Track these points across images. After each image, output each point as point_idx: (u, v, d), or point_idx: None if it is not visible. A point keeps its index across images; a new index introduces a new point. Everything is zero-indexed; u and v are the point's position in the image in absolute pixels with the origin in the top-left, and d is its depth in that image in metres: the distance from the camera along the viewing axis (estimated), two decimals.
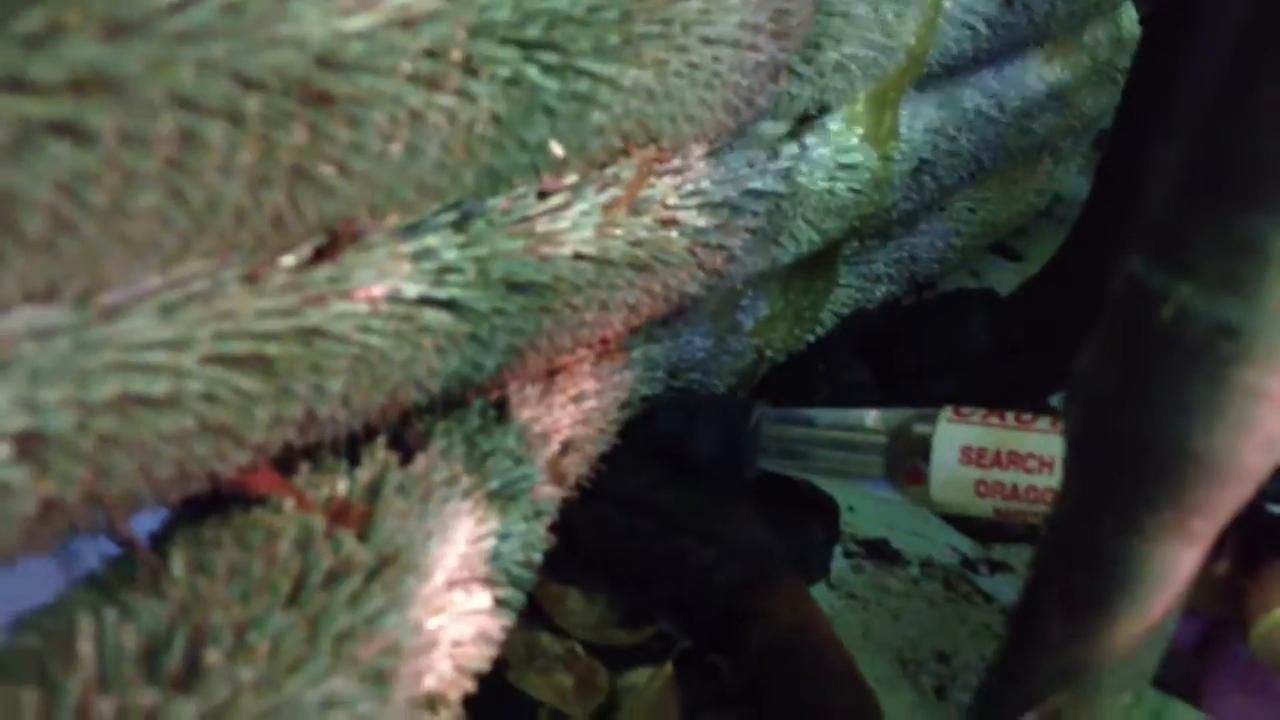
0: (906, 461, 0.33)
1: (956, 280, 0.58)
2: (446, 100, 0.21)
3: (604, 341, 0.31)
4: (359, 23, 0.19)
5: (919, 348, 0.43)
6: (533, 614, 0.32)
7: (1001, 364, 0.41)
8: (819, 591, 0.37)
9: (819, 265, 0.41)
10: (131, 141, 0.16)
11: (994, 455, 0.30)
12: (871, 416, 0.34)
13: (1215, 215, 0.19)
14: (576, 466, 0.30)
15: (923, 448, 0.32)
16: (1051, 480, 0.29)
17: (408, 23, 0.20)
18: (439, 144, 0.21)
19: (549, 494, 0.28)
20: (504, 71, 0.22)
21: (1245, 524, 0.24)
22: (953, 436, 0.32)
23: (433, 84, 0.20)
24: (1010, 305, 0.42)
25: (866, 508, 0.40)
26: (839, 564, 0.38)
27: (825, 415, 0.35)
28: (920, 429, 0.32)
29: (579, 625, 0.32)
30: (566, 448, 0.28)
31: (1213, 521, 0.20)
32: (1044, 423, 0.30)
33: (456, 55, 0.21)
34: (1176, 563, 0.21)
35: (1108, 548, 0.21)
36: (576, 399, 0.30)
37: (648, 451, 0.33)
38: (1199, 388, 0.19)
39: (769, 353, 0.40)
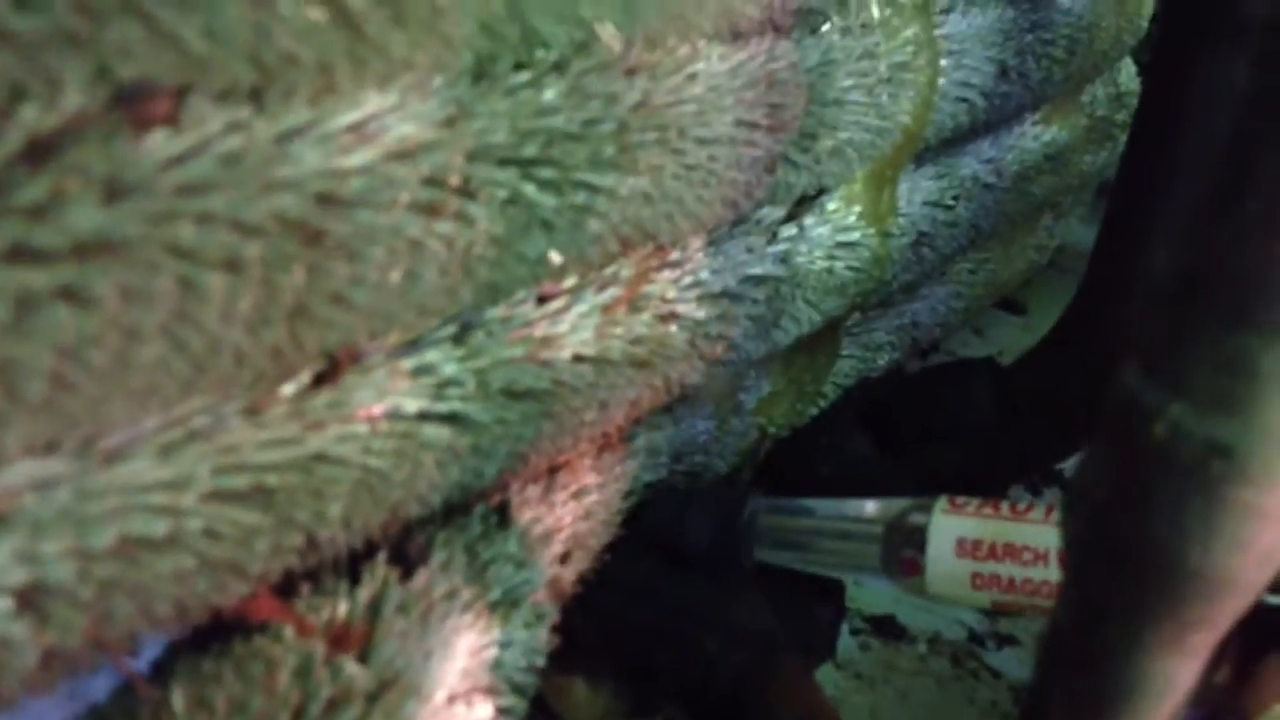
0: (902, 553, 0.32)
1: (961, 339, 0.58)
2: (445, 227, 0.21)
3: (605, 435, 0.31)
4: (358, 159, 0.19)
5: (922, 417, 0.43)
6: (538, 707, 0.32)
7: (1007, 431, 0.41)
8: (826, 672, 0.37)
9: (821, 340, 0.41)
10: (132, 300, 0.16)
11: (989, 548, 0.30)
12: (868, 507, 0.33)
13: (1205, 332, 0.19)
14: (578, 565, 0.30)
15: (918, 539, 0.32)
16: (1047, 573, 0.29)
17: (406, 154, 0.20)
18: (437, 269, 0.21)
19: (552, 596, 0.28)
20: (502, 193, 0.22)
21: (1245, 622, 0.24)
22: (948, 528, 0.31)
23: (431, 211, 0.21)
24: (1016, 371, 0.43)
25: (873, 584, 0.40)
26: (846, 643, 0.38)
27: (821, 506, 0.34)
28: (915, 520, 0.32)
29: (584, 717, 0.32)
30: (567, 556, 0.28)
31: (1212, 634, 0.20)
32: (1038, 514, 0.30)
33: (455, 181, 0.21)
34: (1176, 675, 0.21)
35: (1108, 658, 0.21)
36: (578, 494, 0.30)
37: (642, 543, 0.33)
38: (1195, 505, 0.20)
39: (772, 429, 0.40)
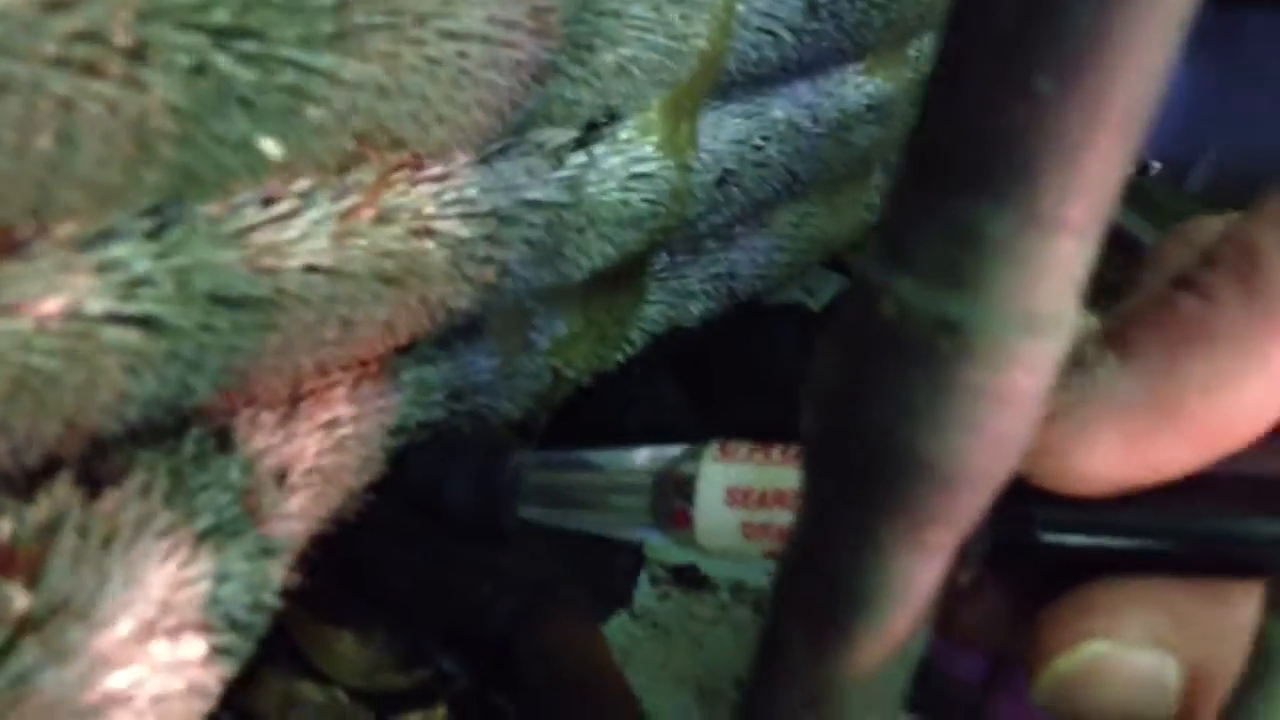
0: (673, 504, 0.29)
1: (788, 297, 0.57)
2: (107, 89, 0.19)
3: (362, 364, 0.29)
4: None
5: (730, 366, 0.41)
6: (295, 660, 0.30)
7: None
8: (621, 622, 0.35)
9: (622, 281, 0.39)
10: None
11: (760, 495, 0.28)
12: (638, 457, 0.31)
13: (931, 201, 0.18)
14: (328, 502, 0.27)
15: (687, 489, 0.29)
16: None
17: (55, 4, 0.18)
18: (100, 138, 0.19)
19: (285, 530, 0.25)
20: (183, 59, 0.20)
21: (1017, 554, 0.23)
22: (717, 477, 0.29)
23: (88, 70, 0.18)
24: (823, 318, 0.41)
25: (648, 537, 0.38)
26: (644, 593, 0.36)
27: (591, 457, 0.32)
28: (685, 469, 0.29)
29: (349, 671, 0.30)
30: (284, 479, 0.26)
31: (950, 530, 0.19)
32: None
33: (121, 40, 0.19)
34: (915, 575, 0.19)
35: (844, 561, 0.19)
36: (328, 426, 0.27)
37: (399, 500, 0.30)
38: (923, 388, 0.18)
39: (570, 373, 0.38)
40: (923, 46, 0.54)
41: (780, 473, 0.28)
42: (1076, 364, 0.22)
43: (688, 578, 0.37)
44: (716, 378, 0.41)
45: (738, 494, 0.28)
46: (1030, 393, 0.18)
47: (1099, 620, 0.21)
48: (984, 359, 0.17)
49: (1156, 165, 0.72)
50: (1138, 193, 0.71)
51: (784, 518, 0.28)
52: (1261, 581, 0.18)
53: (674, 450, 0.30)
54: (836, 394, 0.19)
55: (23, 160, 0.18)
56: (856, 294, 0.19)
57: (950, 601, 0.21)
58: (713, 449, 0.29)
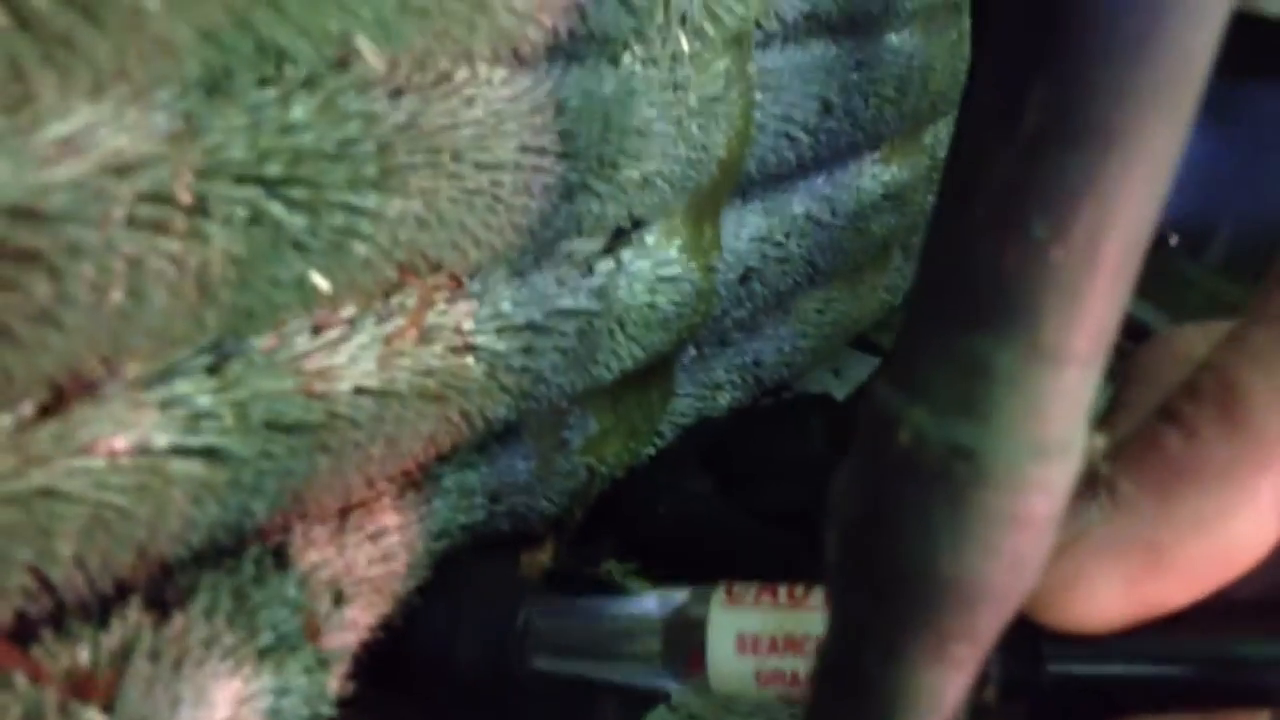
0: (685, 650, 0.30)
1: (817, 379, 0.58)
2: (172, 245, 0.20)
3: (406, 474, 0.30)
4: (64, 172, 0.18)
5: (758, 456, 0.42)
6: None
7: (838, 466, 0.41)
8: (658, 714, 0.36)
9: (653, 377, 0.41)
10: None
11: (770, 642, 0.28)
12: (647, 603, 0.31)
13: (941, 336, 0.19)
14: (372, 610, 0.29)
15: (699, 635, 0.29)
16: None
17: (122, 167, 0.19)
18: (167, 289, 0.20)
19: (340, 641, 0.27)
20: (242, 211, 0.21)
21: (1027, 686, 0.23)
22: (727, 624, 0.29)
23: (155, 228, 0.20)
24: (848, 407, 0.43)
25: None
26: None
27: (599, 605, 0.32)
28: (694, 614, 0.30)
29: None
30: (341, 596, 0.27)
31: (973, 645, 0.20)
32: (817, 598, 0.28)
33: (184, 197, 0.20)
34: (940, 688, 0.20)
35: (872, 676, 0.20)
36: (375, 537, 0.29)
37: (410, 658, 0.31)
38: (942, 511, 0.19)
39: (604, 469, 0.39)
40: (938, 133, 0.55)
41: (789, 617, 0.29)
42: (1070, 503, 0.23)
43: None
44: (745, 467, 0.42)
45: (748, 641, 0.29)
46: (1045, 514, 0.20)
47: None
48: (999, 484, 0.19)
49: (1175, 238, 0.73)
50: (1157, 266, 0.72)
51: (796, 664, 0.28)
52: (1270, 708, 0.20)
53: (682, 594, 0.31)
54: (859, 518, 0.20)
55: (96, 315, 0.19)
56: (874, 422, 0.20)
57: None
58: (719, 594, 0.30)
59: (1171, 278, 0.71)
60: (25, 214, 0.18)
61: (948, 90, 0.52)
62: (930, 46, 0.49)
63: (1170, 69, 0.16)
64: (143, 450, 0.22)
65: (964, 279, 0.18)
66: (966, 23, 0.52)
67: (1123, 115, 0.17)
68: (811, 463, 0.41)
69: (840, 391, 0.56)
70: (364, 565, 0.28)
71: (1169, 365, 0.24)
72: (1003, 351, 0.18)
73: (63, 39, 0.17)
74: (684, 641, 0.30)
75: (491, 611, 0.32)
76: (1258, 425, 0.21)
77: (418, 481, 0.31)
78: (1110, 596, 0.22)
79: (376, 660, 0.29)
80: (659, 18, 0.32)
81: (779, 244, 0.43)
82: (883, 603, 0.20)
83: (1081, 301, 0.18)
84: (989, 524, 0.19)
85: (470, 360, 0.29)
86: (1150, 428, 0.22)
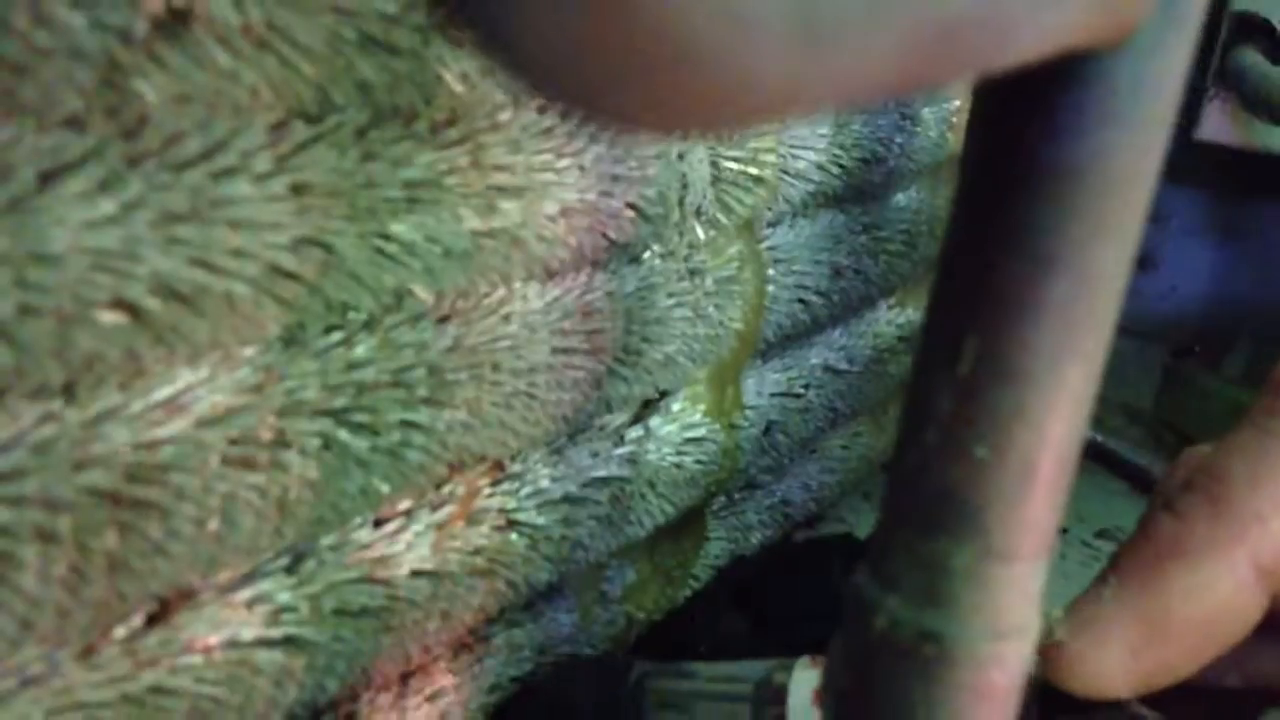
0: (769, 710, 0.35)
1: (850, 504, 0.61)
2: (258, 479, 0.24)
3: (458, 639, 0.33)
4: (169, 430, 0.22)
5: (786, 596, 0.45)
6: None
7: None
8: None
9: (686, 526, 0.44)
10: None
11: None
12: (741, 668, 0.36)
13: (909, 538, 0.22)
14: None
15: (782, 694, 0.34)
16: None
17: (216, 420, 0.23)
18: (254, 515, 0.24)
19: None
20: (315, 442, 0.25)
21: None
22: (806, 681, 0.34)
23: (244, 465, 0.24)
24: (868, 545, 0.45)
25: None
26: None
27: (701, 669, 0.37)
28: (779, 678, 0.35)
29: None
30: None
31: None
32: None
33: (266, 436, 0.24)
34: None
35: None
36: (433, 698, 0.32)
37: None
38: (915, 686, 0.22)
39: (641, 615, 0.43)
40: None
41: None
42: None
43: None
44: (775, 607, 0.45)
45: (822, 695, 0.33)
46: (1005, 686, 0.23)
47: None
48: (962, 662, 0.22)
49: (1197, 349, 0.75)
50: (1179, 375, 0.75)
51: None
52: None
53: (771, 663, 0.35)
54: (847, 690, 0.24)
55: (197, 543, 0.23)
56: (855, 607, 0.23)
57: None
58: (804, 659, 0.34)
59: (1192, 389, 0.74)
60: (139, 469, 0.21)
61: None
62: (936, 199, 0.53)
63: (1071, 328, 0.20)
64: (233, 644, 0.25)
65: (922, 492, 0.22)
66: None
67: (1039, 362, 0.20)
68: (837, 600, 0.44)
69: (869, 516, 0.58)
70: None
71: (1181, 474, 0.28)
72: (958, 552, 0.22)
73: (170, 327, 0.21)
74: (770, 701, 0.34)
75: (607, 669, 0.38)
76: (1236, 504, 0.25)
77: (469, 643, 0.34)
78: (1118, 663, 0.25)
79: None
80: (674, 216, 0.36)
81: (799, 395, 0.46)
82: None
83: (1023, 510, 0.22)
84: (956, 697, 0.22)
85: (514, 536, 0.32)
86: (1149, 516, 0.26)
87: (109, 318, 0.20)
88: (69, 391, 0.20)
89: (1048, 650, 0.26)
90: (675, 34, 0.09)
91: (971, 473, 0.21)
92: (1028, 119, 0.19)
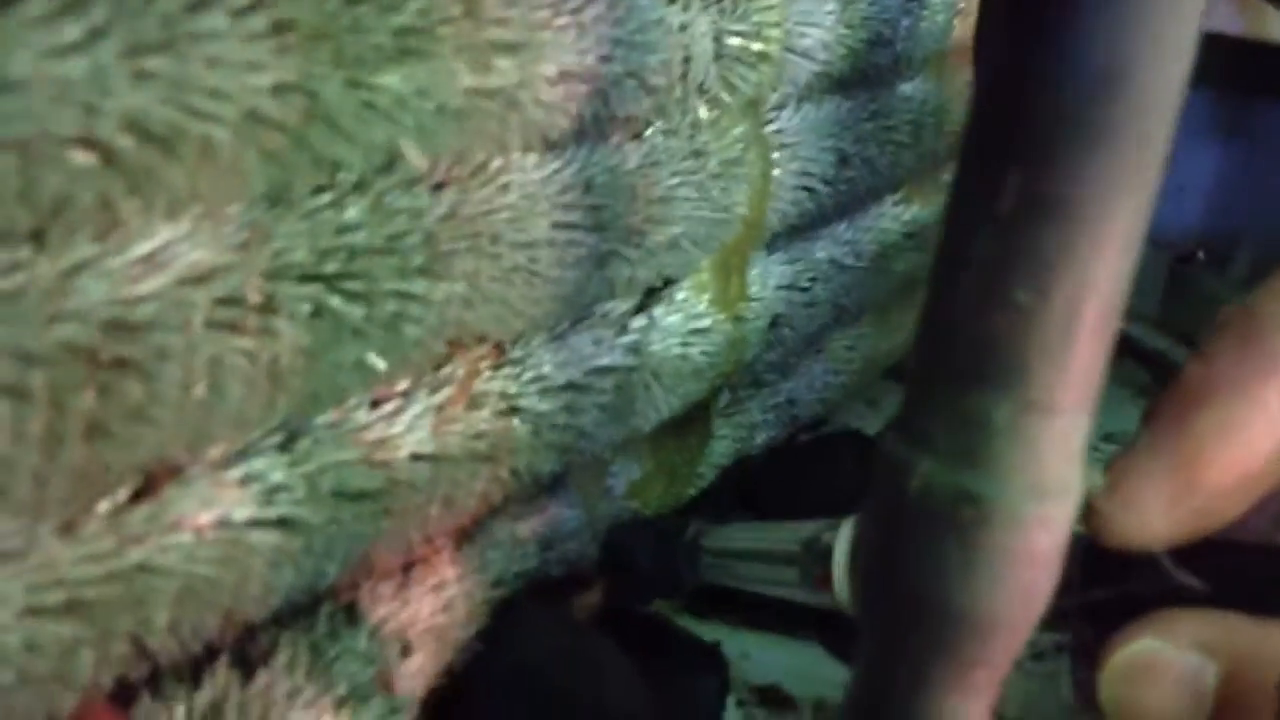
0: (816, 569, 0.36)
1: (856, 411, 0.59)
2: (246, 342, 0.22)
3: (462, 529, 0.32)
4: (148, 285, 0.21)
5: (792, 494, 0.44)
6: None
7: None
8: None
9: (690, 422, 0.43)
10: None
11: None
12: (791, 528, 0.37)
13: (944, 394, 0.21)
14: (441, 657, 0.31)
15: (829, 553, 0.35)
16: None
17: (199, 277, 0.21)
18: (243, 382, 0.23)
19: (408, 688, 0.29)
20: (305, 307, 0.24)
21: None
22: (849, 540, 0.35)
23: (231, 328, 0.22)
24: (876, 444, 0.44)
25: (760, 654, 0.41)
26: (731, 714, 0.39)
27: (753, 528, 0.40)
28: (827, 537, 0.36)
29: None
30: (408, 648, 0.29)
31: (993, 671, 0.22)
32: None
33: (254, 299, 0.23)
34: (965, 713, 0.22)
35: (900, 704, 0.22)
36: (436, 588, 0.31)
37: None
38: (953, 551, 0.21)
39: (647, 513, 0.41)
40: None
41: None
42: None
43: (772, 698, 0.40)
44: (782, 504, 0.44)
45: None
46: (1048, 549, 0.22)
47: (1155, 628, 0.24)
48: (1002, 526, 0.21)
49: (1202, 254, 0.74)
50: (1183, 281, 0.73)
51: None
52: None
53: (820, 523, 0.36)
54: (879, 559, 0.22)
55: (182, 410, 0.22)
56: (886, 471, 0.22)
57: None
58: (851, 519, 0.35)
59: (1197, 293, 0.72)
60: (118, 326, 0.20)
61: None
62: (943, 90, 0.51)
63: (1127, 156, 0.18)
64: (225, 524, 0.24)
65: (958, 342, 0.21)
66: None
67: (1089, 196, 0.19)
68: (845, 496, 0.43)
69: (875, 422, 0.57)
70: (427, 616, 0.30)
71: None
72: (998, 406, 0.20)
73: (145, 171, 0.20)
74: (816, 560, 0.36)
75: (665, 527, 0.40)
76: (1267, 343, 0.24)
77: (473, 535, 0.33)
78: (1155, 514, 0.24)
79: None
80: (677, 92, 0.34)
81: (805, 289, 0.45)
82: (906, 636, 0.22)
83: (1066, 359, 0.20)
84: (997, 561, 0.21)
85: (516, 422, 0.31)
86: (1183, 366, 0.25)
87: (78, 157, 0.19)
88: (38, 239, 0.19)
89: (1084, 505, 0.25)
90: None
91: (1012, 319, 0.20)
92: None
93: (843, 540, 0.34)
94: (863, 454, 0.45)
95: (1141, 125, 0.19)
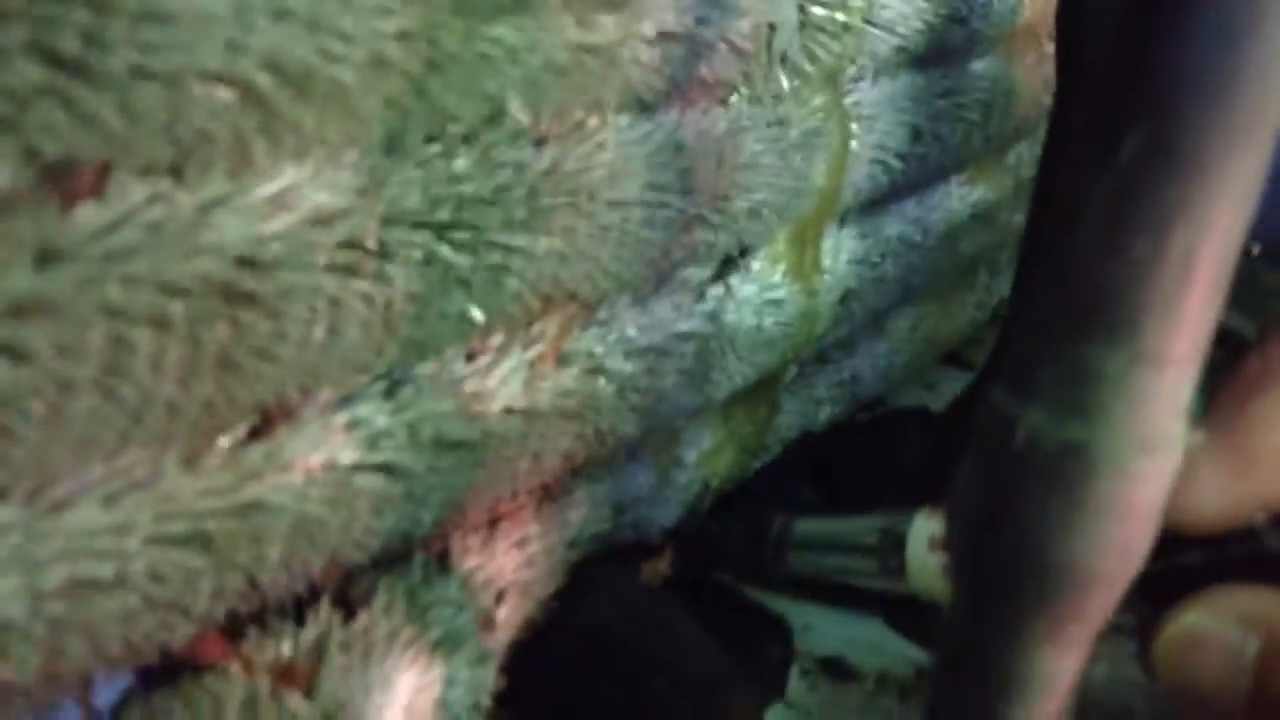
0: (892, 558, 0.37)
1: (912, 394, 0.60)
2: (363, 285, 0.23)
3: (544, 487, 0.33)
4: (276, 224, 0.21)
5: (860, 469, 0.45)
6: None
7: (938, 477, 0.43)
8: (777, 710, 0.38)
9: (760, 394, 0.43)
10: (66, 354, 0.18)
11: None
12: (868, 521, 0.39)
13: (1053, 344, 0.21)
14: (523, 610, 0.31)
15: (902, 542, 0.37)
16: None
17: (322, 220, 0.22)
18: (359, 325, 0.23)
19: (495, 638, 0.29)
20: (417, 254, 0.24)
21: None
22: (923, 529, 0.36)
23: (349, 271, 0.23)
24: (945, 417, 0.45)
25: (822, 626, 0.41)
26: (795, 683, 0.39)
27: (838, 520, 0.41)
28: (901, 527, 0.37)
29: None
30: (509, 600, 0.30)
31: (1086, 626, 0.22)
32: None
33: (371, 243, 0.23)
34: (1057, 667, 0.22)
35: (992, 654, 0.23)
36: (520, 543, 0.31)
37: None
38: (1055, 503, 0.21)
39: (716, 482, 0.42)
40: (1021, 153, 0.57)
41: None
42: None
43: (835, 669, 0.40)
44: (848, 479, 0.45)
45: (937, 541, 0.35)
46: (1150, 503, 0.22)
47: (1203, 602, 0.25)
48: (1106, 477, 0.21)
49: (1258, 247, 0.73)
50: (1240, 275, 0.73)
51: None
52: None
53: (895, 515, 0.38)
54: (978, 511, 0.23)
55: (303, 350, 0.22)
56: (991, 425, 0.22)
57: None
58: (924, 510, 0.37)
59: (1255, 286, 0.72)
60: (248, 262, 0.20)
61: (1029, 113, 0.54)
62: (1012, 71, 0.51)
63: (1250, 108, 0.19)
64: (332, 467, 0.24)
65: (1071, 293, 0.21)
66: (1047, 47, 0.54)
67: (1211, 148, 0.19)
68: (911, 472, 0.44)
69: (933, 405, 0.58)
70: (512, 570, 0.31)
71: None
72: (1109, 357, 0.21)
73: (278, 110, 0.20)
74: (892, 549, 0.37)
75: (754, 517, 0.42)
76: None
77: (554, 494, 0.34)
78: (1210, 497, 0.25)
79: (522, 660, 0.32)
80: (763, 59, 0.34)
81: (875, 265, 0.45)
82: (1002, 589, 0.22)
83: (1180, 310, 0.20)
84: (1099, 514, 0.21)
85: (602, 381, 0.32)
86: (1242, 357, 0.26)
87: (219, 92, 0.19)
88: (177, 173, 0.19)
89: None
90: None
91: (1128, 270, 0.20)
92: None
93: (917, 529, 0.36)
94: (929, 432, 0.45)
95: (1262, 82, 0.19)
